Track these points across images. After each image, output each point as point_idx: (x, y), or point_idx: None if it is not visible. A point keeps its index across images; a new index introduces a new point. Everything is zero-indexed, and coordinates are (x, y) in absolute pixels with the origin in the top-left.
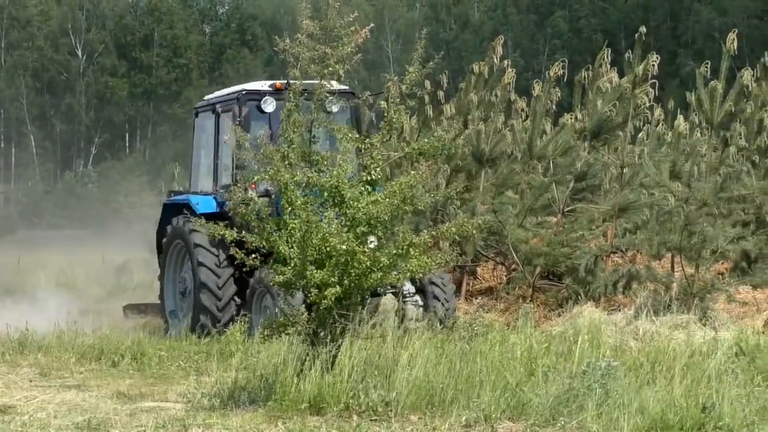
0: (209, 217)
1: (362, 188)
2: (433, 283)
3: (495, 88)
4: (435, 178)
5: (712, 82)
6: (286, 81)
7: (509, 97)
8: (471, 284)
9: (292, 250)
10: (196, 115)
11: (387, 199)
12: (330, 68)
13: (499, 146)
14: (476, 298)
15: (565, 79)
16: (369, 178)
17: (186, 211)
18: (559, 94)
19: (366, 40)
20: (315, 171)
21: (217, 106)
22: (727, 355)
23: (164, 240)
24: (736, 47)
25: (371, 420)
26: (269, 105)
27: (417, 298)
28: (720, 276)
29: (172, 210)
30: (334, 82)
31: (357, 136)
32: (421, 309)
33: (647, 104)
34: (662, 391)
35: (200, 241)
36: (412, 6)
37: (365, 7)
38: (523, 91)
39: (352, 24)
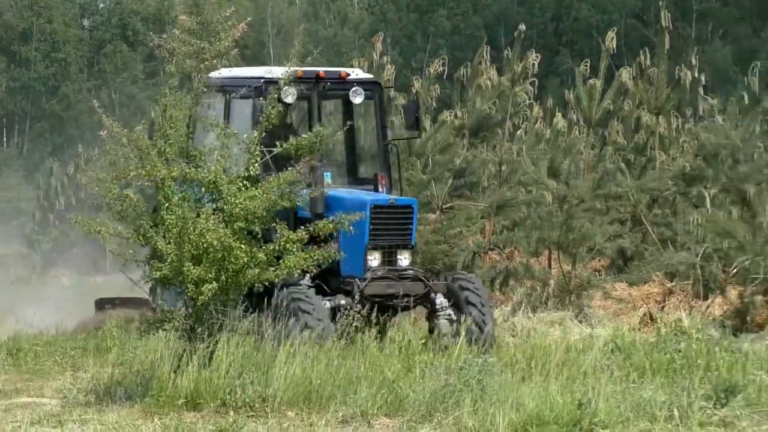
0: None
1: (240, 184)
2: (464, 288)
3: None
4: (314, 174)
5: (591, 80)
6: (309, 68)
7: (389, 94)
8: None
9: (169, 246)
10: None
11: (264, 195)
12: (206, 63)
13: None
14: None
15: (445, 76)
16: (247, 174)
17: None
18: (438, 91)
19: (244, 34)
20: (193, 167)
21: (229, 89)
22: (603, 351)
23: None
24: (614, 46)
25: (248, 416)
26: (290, 96)
27: (450, 312)
28: (596, 273)
29: None
30: (358, 71)
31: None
32: (455, 324)
33: (526, 102)
34: (538, 388)
35: None
36: (292, 2)
37: (246, 3)
38: (402, 88)
39: (229, 19)
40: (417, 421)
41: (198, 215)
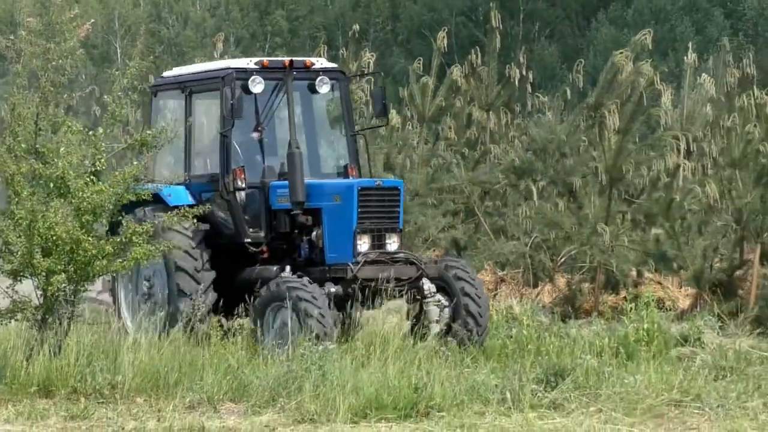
0: (171, 207)
1: (87, 179)
2: (459, 278)
3: None
4: (159, 169)
5: (424, 78)
6: (274, 58)
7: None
8: None
9: (19, 239)
10: (155, 94)
11: (111, 189)
12: (53, 63)
13: None
14: None
15: None
16: (94, 169)
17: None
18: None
19: (89, 34)
20: (41, 162)
21: (190, 85)
22: (438, 337)
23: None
24: (446, 44)
25: (98, 402)
26: (257, 85)
27: (439, 297)
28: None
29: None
30: (322, 60)
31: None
32: (446, 309)
33: (363, 99)
34: (377, 373)
35: (173, 236)
36: (137, 3)
37: (94, 3)
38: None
39: (74, 20)
40: (261, 405)
41: (47, 209)
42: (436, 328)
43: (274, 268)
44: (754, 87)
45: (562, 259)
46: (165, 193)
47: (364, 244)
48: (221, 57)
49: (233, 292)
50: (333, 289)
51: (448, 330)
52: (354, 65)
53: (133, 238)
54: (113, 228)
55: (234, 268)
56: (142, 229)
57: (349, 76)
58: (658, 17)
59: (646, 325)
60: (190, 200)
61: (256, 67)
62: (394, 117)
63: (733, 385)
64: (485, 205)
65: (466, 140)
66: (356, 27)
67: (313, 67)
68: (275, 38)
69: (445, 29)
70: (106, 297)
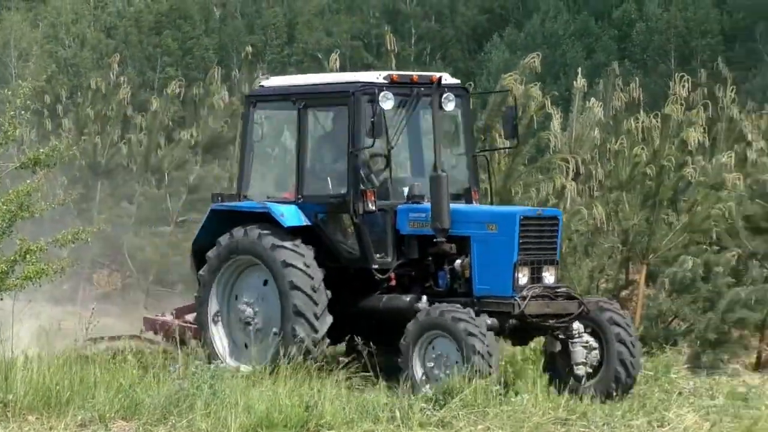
0: (295, 231)
1: None
2: (615, 322)
3: (111, 102)
4: (52, 188)
5: None
6: (402, 72)
7: (125, 111)
8: (86, 289)
9: None
10: (253, 105)
11: (4, 207)
12: None
13: (115, 158)
14: (91, 303)
15: (181, 96)
16: None
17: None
18: (174, 109)
19: None
20: None
21: (305, 97)
22: (331, 355)
23: (211, 254)
24: (338, 66)
25: None
26: (388, 101)
27: (588, 338)
28: None
29: (225, 217)
30: (446, 75)
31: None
32: (594, 352)
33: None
34: (268, 391)
35: (290, 258)
36: (35, 25)
37: None
38: (140, 106)
39: None
40: (152, 424)
41: None
42: (581, 371)
43: (407, 297)
44: (641, 110)
45: None
46: (277, 212)
47: (523, 277)
48: (116, 77)
49: (348, 319)
50: (489, 321)
51: (592, 374)
52: (246, 86)
53: (27, 256)
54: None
55: (352, 294)
56: (37, 247)
57: (471, 93)
58: (550, 41)
59: (533, 345)
60: (304, 221)
61: (386, 81)
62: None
63: (619, 404)
64: None
65: None
66: (249, 48)
67: (440, 80)
68: (164, 57)
69: (338, 51)
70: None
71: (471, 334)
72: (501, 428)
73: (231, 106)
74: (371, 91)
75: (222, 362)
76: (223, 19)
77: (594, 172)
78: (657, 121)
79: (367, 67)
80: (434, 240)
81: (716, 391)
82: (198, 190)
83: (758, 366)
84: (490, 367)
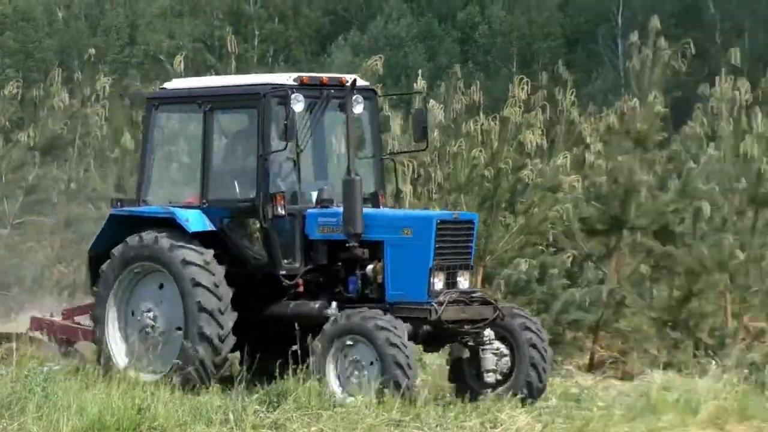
0: (201, 236)
1: None
2: (528, 328)
3: None
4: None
5: None
6: (312, 74)
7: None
8: None
9: None
10: (155, 107)
11: None
12: None
13: None
14: None
15: (19, 97)
16: None
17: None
18: (12, 110)
19: None
20: None
21: (211, 99)
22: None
23: (114, 259)
24: (182, 68)
25: None
26: (299, 103)
27: (498, 345)
28: None
29: (124, 223)
30: (355, 77)
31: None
32: (505, 359)
33: (98, 123)
34: (101, 394)
35: (195, 273)
36: None
37: None
38: None
39: None
40: None
41: None
42: (491, 378)
43: (316, 303)
44: (481, 113)
45: None
46: (181, 217)
47: (439, 282)
48: None
49: (254, 327)
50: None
51: (502, 381)
52: (89, 89)
53: None
54: None
55: (259, 301)
56: None
57: (380, 96)
58: (393, 44)
59: None
60: (210, 226)
61: (296, 83)
62: (128, 139)
63: (452, 406)
64: None
65: None
66: (92, 51)
67: (347, 82)
68: (5, 59)
69: (182, 54)
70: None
71: (393, 344)
72: (334, 430)
73: (71, 107)
74: (282, 93)
75: (122, 372)
76: (67, 21)
77: (433, 174)
78: (496, 124)
79: (209, 69)
80: (346, 245)
81: (549, 392)
82: (35, 191)
83: (591, 367)
84: (409, 379)
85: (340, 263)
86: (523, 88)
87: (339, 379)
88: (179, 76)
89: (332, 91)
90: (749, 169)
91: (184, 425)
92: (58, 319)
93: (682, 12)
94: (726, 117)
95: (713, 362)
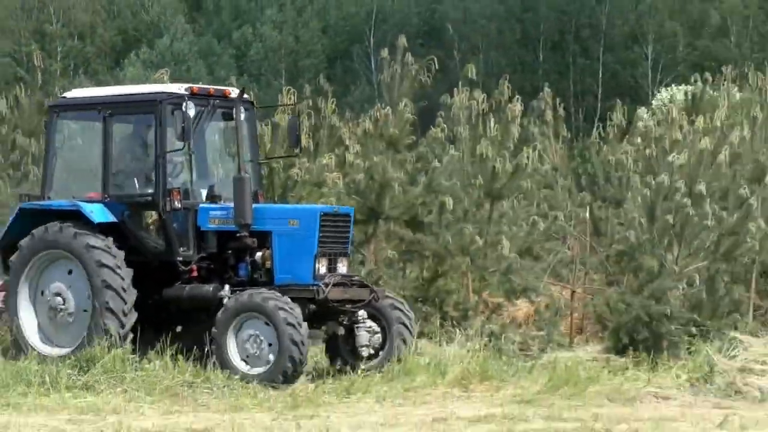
0: (105, 227)
1: None
2: (396, 308)
3: None
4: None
5: None
6: (200, 86)
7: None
8: None
9: None
10: (57, 114)
11: None
12: None
13: None
14: None
15: None
16: None
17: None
18: None
19: None
20: None
21: (110, 106)
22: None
23: (22, 247)
24: None
25: None
26: (191, 110)
27: (370, 324)
28: None
29: (33, 216)
30: (236, 90)
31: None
32: (377, 336)
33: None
34: None
35: (102, 257)
36: None
37: None
38: None
39: None
40: None
41: None
42: (365, 352)
43: (210, 286)
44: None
45: None
46: (86, 210)
47: (322, 267)
48: None
49: (152, 309)
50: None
51: (374, 355)
52: None
53: None
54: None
55: (156, 285)
56: None
57: (257, 107)
58: (178, 59)
59: None
60: (112, 218)
61: (187, 92)
62: None
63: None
64: None
65: (10, 162)
66: None
67: (230, 95)
68: None
69: None
70: None
71: (289, 323)
72: (137, 390)
73: None
74: (177, 100)
75: (34, 350)
76: None
77: None
78: (269, 128)
79: (20, 80)
80: (237, 234)
81: None
82: None
83: None
84: (302, 355)
85: (230, 251)
86: (290, 98)
87: (238, 351)
88: None
89: (217, 101)
90: (485, 167)
91: (6, 387)
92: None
93: (426, 33)
94: (464, 123)
95: (458, 332)
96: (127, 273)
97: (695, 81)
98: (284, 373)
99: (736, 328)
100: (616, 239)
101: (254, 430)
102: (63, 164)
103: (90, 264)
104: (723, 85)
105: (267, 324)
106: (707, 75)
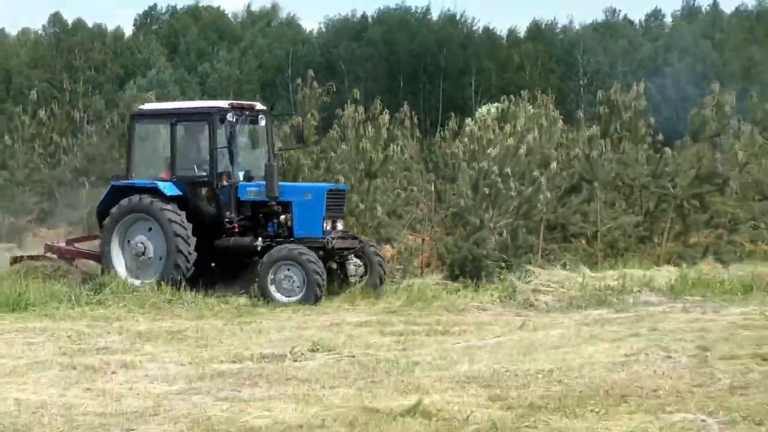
0: (174, 198)
1: None
2: (376, 254)
3: None
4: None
5: None
6: (237, 101)
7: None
8: None
9: None
10: (137, 120)
11: None
12: None
13: None
14: None
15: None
16: None
17: (140, 194)
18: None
19: None
20: None
21: (176, 116)
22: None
23: (114, 212)
24: None
25: None
26: (232, 118)
27: (356, 260)
28: None
29: (121, 190)
30: (257, 104)
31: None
32: (361, 268)
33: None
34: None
35: (172, 216)
36: None
37: None
38: None
39: None
40: None
41: None
42: (353, 279)
43: (248, 238)
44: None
45: None
46: (161, 186)
47: (328, 226)
48: None
49: (205, 254)
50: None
51: (358, 282)
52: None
53: None
54: None
55: (211, 238)
56: None
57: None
58: (161, 85)
59: None
60: (178, 192)
61: (228, 106)
62: None
63: (212, 291)
64: None
65: (48, 153)
66: None
67: (256, 108)
68: None
69: None
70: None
71: (312, 262)
72: (133, 305)
73: None
74: (223, 112)
75: (125, 279)
76: None
77: None
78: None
79: (54, 99)
80: (267, 203)
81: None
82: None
83: None
84: (323, 282)
85: (261, 214)
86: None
87: (276, 287)
88: None
89: (248, 111)
90: (365, 157)
91: (44, 303)
92: (63, 245)
93: (326, 68)
94: (351, 127)
95: None
96: (188, 226)
97: (503, 100)
98: (314, 296)
99: (530, 263)
100: (452, 204)
101: (212, 331)
102: (141, 154)
103: (164, 221)
104: (521, 103)
105: (297, 267)
106: (512, 96)
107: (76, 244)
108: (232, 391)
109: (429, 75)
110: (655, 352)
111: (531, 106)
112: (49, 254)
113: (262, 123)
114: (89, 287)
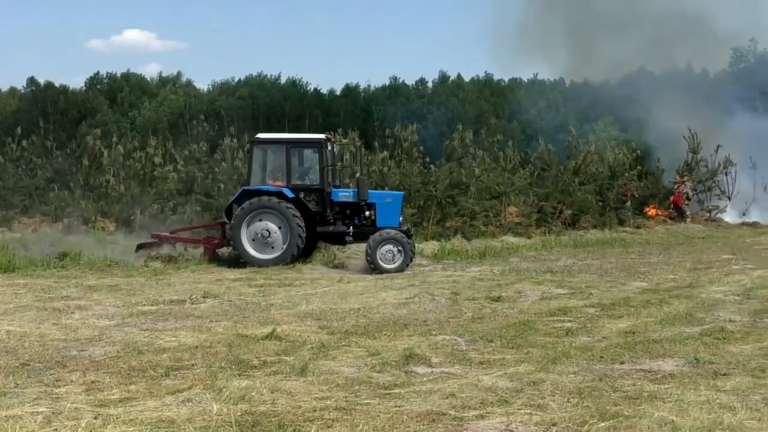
0: (292, 199)
1: None
2: (410, 236)
3: None
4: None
5: None
6: (329, 134)
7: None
8: None
9: None
10: (256, 145)
11: None
12: None
13: None
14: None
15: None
16: None
17: (267, 195)
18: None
19: None
20: None
21: (291, 143)
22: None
23: (241, 208)
24: None
25: None
26: (331, 146)
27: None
28: None
29: (249, 193)
30: (330, 135)
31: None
32: (398, 247)
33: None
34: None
35: (293, 212)
36: None
37: None
38: None
39: None
40: None
41: None
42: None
43: (342, 227)
44: None
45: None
46: (284, 190)
47: (402, 219)
48: None
49: (310, 238)
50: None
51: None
52: None
53: None
54: None
55: (315, 226)
56: None
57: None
58: None
59: None
60: (294, 195)
61: (326, 138)
62: None
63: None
64: None
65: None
66: None
67: (330, 138)
68: None
69: None
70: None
71: (406, 242)
72: (85, 267)
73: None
74: (325, 141)
75: (252, 257)
76: None
77: None
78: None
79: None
80: (357, 204)
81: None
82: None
83: None
84: (413, 255)
85: (349, 211)
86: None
87: (379, 258)
88: None
89: (331, 141)
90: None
91: (26, 267)
92: (168, 234)
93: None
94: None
95: None
96: (302, 220)
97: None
98: (406, 265)
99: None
100: None
101: (137, 285)
102: (257, 169)
103: (288, 215)
104: (337, 137)
105: (395, 245)
106: (331, 132)
107: (179, 233)
108: (151, 324)
109: (278, 118)
110: (424, 296)
111: (344, 139)
112: (156, 240)
113: (330, 148)
114: (55, 256)
